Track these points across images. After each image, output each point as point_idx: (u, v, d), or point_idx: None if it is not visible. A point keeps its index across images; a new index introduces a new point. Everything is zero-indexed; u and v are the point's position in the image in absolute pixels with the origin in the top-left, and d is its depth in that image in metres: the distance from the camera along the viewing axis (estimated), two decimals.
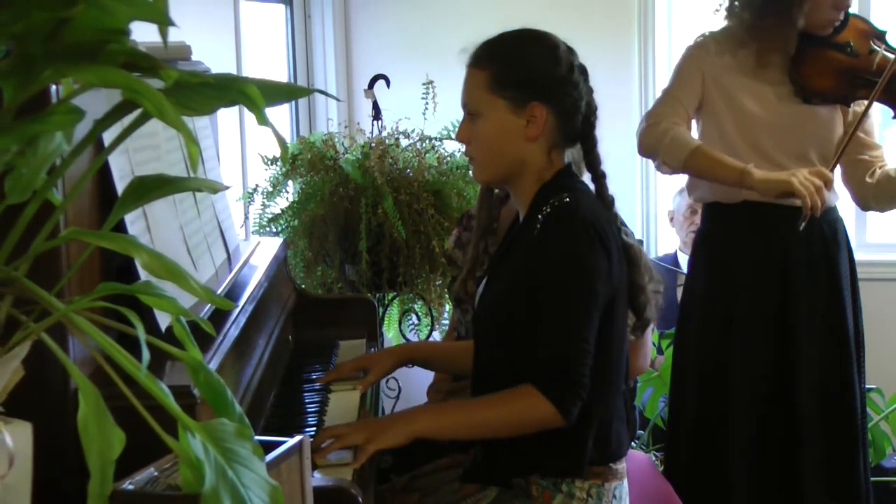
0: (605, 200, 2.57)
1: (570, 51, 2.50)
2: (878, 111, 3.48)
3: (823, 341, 3.24)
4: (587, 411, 2.39)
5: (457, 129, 2.57)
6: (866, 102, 3.15)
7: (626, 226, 2.92)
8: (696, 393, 3.30)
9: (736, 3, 3.24)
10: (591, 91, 2.53)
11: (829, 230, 3.27)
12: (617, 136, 4.90)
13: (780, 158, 3.19)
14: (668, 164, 3.19)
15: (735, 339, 3.25)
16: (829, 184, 3.03)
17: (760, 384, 3.23)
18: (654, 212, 5.23)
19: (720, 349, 3.26)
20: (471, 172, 2.68)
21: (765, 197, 3.09)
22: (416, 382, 4.02)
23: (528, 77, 2.45)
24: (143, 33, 1.18)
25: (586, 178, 2.61)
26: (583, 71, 2.51)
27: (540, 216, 2.42)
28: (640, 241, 4.87)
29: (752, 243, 3.26)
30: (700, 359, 3.31)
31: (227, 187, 1.74)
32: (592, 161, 2.58)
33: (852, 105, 3.25)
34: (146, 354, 1.17)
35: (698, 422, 3.30)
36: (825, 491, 3.25)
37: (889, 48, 3.19)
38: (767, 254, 3.25)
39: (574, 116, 2.50)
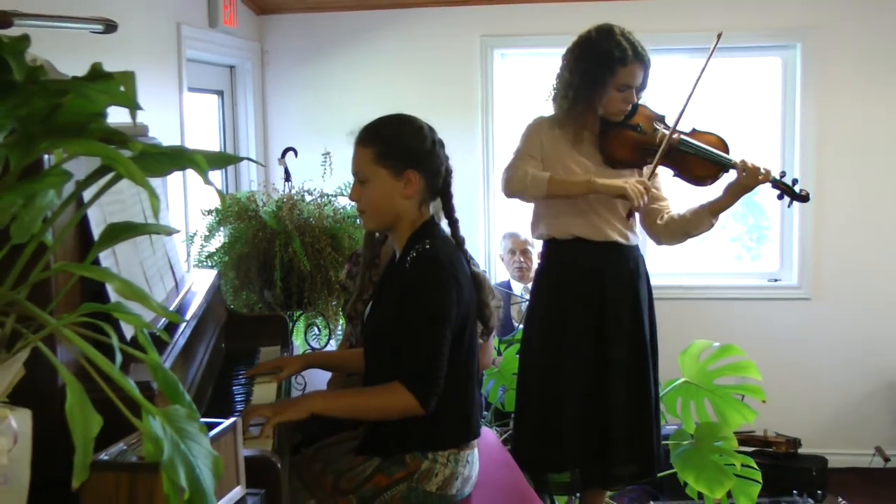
0: (457, 240, 2.60)
1: (431, 129, 2.54)
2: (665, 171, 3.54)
3: (628, 346, 3.28)
4: (448, 400, 2.43)
5: (349, 191, 2.57)
6: (653, 166, 3.27)
7: (473, 259, 2.96)
8: (539, 384, 3.30)
9: (558, 93, 3.30)
10: (447, 157, 2.56)
11: (633, 264, 3.32)
12: (466, 194, 5.00)
13: (598, 208, 3.26)
14: (533, 196, 3.21)
15: (567, 345, 3.26)
16: (648, 191, 3.17)
17: (584, 377, 3.25)
18: (493, 251, 5.30)
19: (556, 352, 3.27)
20: (359, 222, 2.67)
21: (606, 195, 3.18)
22: (317, 379, 4.01)
23: (405, 151, 2.47)
24: (113, 116, 1.18)
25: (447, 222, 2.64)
26: (441, 144, 2.54)
27: (409, 259, 2.45)
28: (484, 271, 4.92)
29: (579, 272, 3.28)
30: (541, 360, 3.31)
31: (177, 231, 1.73)
32: (449, 210, 2.60)
33: (645, 168, 3.34)
34: (119, 357, 1.17)
35: (540, 405, 3.30)
36: (630, 457, 3.30)
37: (666, 126, 3.30)
38: (590, 280, 3.27)
39: (437, 178, 2.53)
